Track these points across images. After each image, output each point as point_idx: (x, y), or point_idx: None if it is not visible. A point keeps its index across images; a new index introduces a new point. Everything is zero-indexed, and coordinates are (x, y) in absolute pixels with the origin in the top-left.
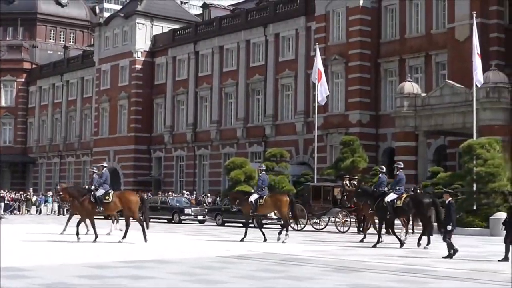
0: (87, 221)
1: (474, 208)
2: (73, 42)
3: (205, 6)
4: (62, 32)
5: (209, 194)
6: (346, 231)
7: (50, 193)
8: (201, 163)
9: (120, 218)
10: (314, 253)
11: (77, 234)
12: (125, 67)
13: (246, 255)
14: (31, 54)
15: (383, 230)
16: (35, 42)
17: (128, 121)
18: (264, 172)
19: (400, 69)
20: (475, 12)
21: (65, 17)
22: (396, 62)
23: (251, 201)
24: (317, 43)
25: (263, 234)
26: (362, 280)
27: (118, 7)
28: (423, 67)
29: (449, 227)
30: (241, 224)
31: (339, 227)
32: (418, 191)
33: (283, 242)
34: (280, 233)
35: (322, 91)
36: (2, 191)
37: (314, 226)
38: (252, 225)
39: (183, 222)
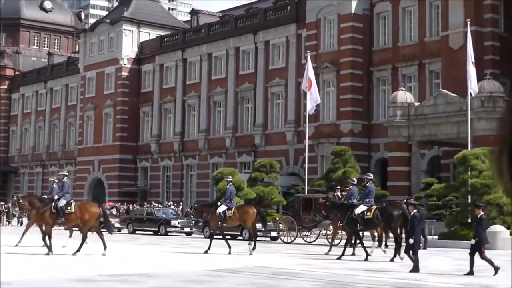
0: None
1: (469, 220)
2: (57, 48)
3: (193, 12)
4: (46, 38)
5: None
6: (338, 244)
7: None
8: (188, 173)
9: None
10: (305, 267)
11: (49, 247)
12: (111, 74)
13: (235, 269)
14: (14, 61)
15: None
16: (19, 48)
17: (113, 130)
18: (231, 183)
19: (393, 78)
20: (469, 20)
21: (49, 22)
22: (388, 70)
23: (219, 213)
24: (308, 51)
25: (228, 246)
26: None
27: (104, 13)
28: (417, 75)
29: (411, 240)
30: (229, 237)
31: (330, 240)
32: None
33: (250, 253)
34: (251, 245)
35: (312, 100)
36: None
37: (305, 239)
38: (229, 237)
39: (169, 234)
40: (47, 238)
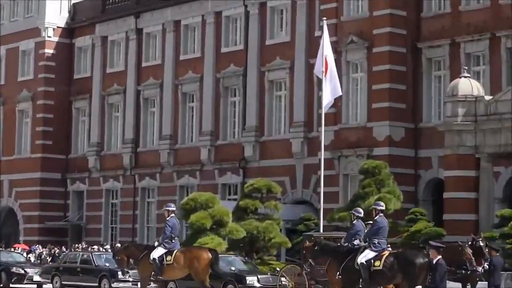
0: None
1: None
2: None
3: None
4: None
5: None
6: None
7: None
8: (145, 200)
9: None
10: None
11: None
12: (29, 52)
13: None
14: None
15: None
16: None
17: (32, 136)
18: (173, 214)
19: (452, 59)
20: None
21: None
22: (445, 47)
23: (154, 259)
24: (325, 18)
25: None
26: None
27: None
28: (487, 55)
29: None
30: None
31: None
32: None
33: None
34: None
35: (331, 91)
36: None
37: None
38: None
39: None
40: None
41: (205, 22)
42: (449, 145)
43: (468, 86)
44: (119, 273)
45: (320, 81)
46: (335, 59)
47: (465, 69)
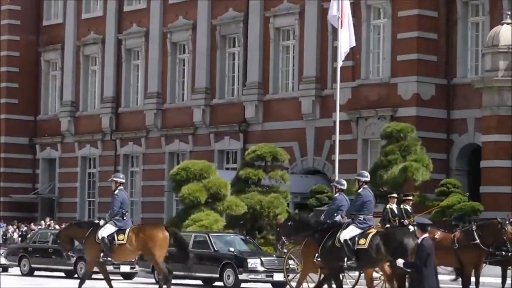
0: None
1: None
2: None
3: None
4: None
5: None
6: None
7: None
8: (128, 169)
9: None
10: None
11: None
12: None
13: None
14: None
15: None
16: None
17: None
18: (121, 187)
19: (492, 2)
20: None
21: None
22: None
23: (103, 238)
24: None
25: None
26: None
27: None
28: None
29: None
30: (200, 282)
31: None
32: None
33: None
34: None
35: (349, 41)
36: None
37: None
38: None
39: (94, 276)
40: None
41: None
42: (488, 104)
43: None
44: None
45: (335, 29)
46: (353, 3)
47: (508, 14)
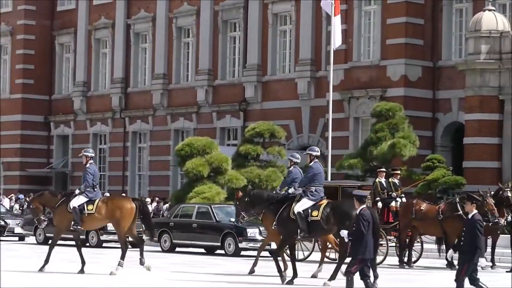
0: None
1: None
2: None
3: None
4: None
5: (149, 199)
6: (381, 263)
7: None
8: (136, 145)
9: None
10: None
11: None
12: None
13: None
14: None
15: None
16: None
17: (11, 74)
18: (91, 161)
19: None
20: None
21: None
22: None
23: (74, 208)
24: None
25: (82, 260)
26: None
27: None
28: None
29: (369, 254)
30: (203, 250)
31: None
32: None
33: (111, 273)
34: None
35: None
36: None
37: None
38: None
39: (104, 245)
40: None
41: None
42: (471, 85)
43: (493, 20)
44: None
45: (329, 15)
46: None
47: (490, 1)
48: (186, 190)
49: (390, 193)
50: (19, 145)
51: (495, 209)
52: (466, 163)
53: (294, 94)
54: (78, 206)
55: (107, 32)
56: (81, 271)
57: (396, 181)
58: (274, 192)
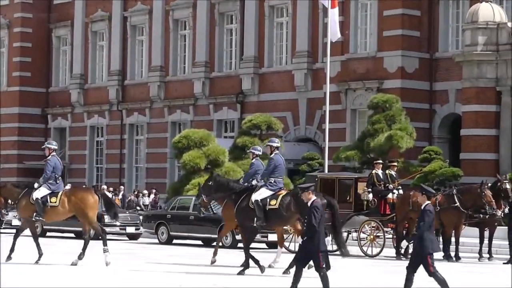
0: None
1: None
2: None
3: None
4: None
5: (146, 191)
6: (378, 255)
7: None
8: (133, 138)
9: None
10: None
11: None
12: None
13: None
14: None
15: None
16: None
17: (8, 67)
18: (54, 153)
19: None
20: None
21: None
22: None
23: (37, 199)
24: None
25: (39, 251)
26: None
27: None
28: None
29: (323, 246)
30: (200, 242)
31: (365, 248)
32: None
33: (107, 263)
34: (106, 252)
35: (337, 20)
36: None
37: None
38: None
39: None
40: None
41: None
42: (468, 77)
43: (490, 11)
44: (106, 217)
45: (325, 7)
46: None
47: None
48: (183, 182)
49: (387, 185)
50: (17, 138)
51: (493, 201)
52: (463, 154)
53: (291, 86)
54: (41, 198)
55: (104, 24)
56: (37, 262)
57: (393, 173)
58: (237, 183)
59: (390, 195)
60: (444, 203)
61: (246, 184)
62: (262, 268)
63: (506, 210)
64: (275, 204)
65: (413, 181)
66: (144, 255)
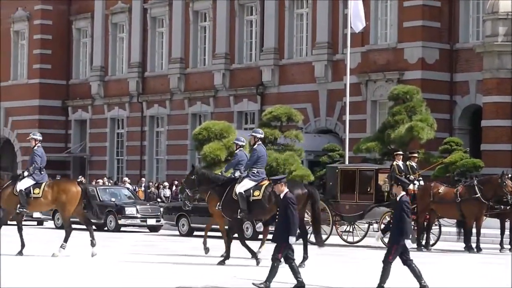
0: None
1: None
2: None
3: None
4: None
5: (167, 183)
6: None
7: None
8: (153, 130)
9: None
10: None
11: None
12: None
13: None
14: None
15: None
16: None
17: (29, 59)
18: (39, 144)
19: None
20: None
21: None
22: None
23: (21, 190)
24: None
25: (22, 243)
26: None
27: None
28: None
29: (292, 239)
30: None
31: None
32: None
33: (53, 255)
34: (93, 245)
35: (359, 10)
36: None
37: (344, 237)
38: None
39: (122, 229)
40: None
41: None
42: (488, 68)
43: (510, 2)
44: (127, 209)
45: None
46: None
47: None
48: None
49: (408, 176)
50: (37, 130)
51: None
52: (484, 145)
53: (311, 78)
54: (25, 189)
55: (124, 16)
56: (20, 253)
57: (414, 164)
58: (220, 174)
59: (411, 186)
60: (465, 194)
61: (230, 175)
62: (258, 261)
63: None
64: (258, 195)
65: (433, 172)
66: (165, 247)
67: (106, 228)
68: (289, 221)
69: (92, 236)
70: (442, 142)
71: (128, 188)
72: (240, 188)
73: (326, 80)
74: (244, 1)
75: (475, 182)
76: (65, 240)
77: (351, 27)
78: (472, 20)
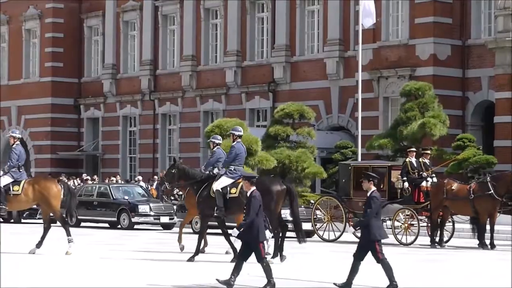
0: None
1: None
2: None
3: None
4: None
5: None
6: (412, 243)
7: None
8: (166, 128)
9: None
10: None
11: None
12: None
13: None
14: None
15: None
16: None
17: (41, 57)
18: (18, 142)
19: None
20: None
21: None
22: None
23: (0, 188)
24: None
25: None
26: None
27: None
28: None
29: (268, 235)
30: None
31: (400, 236)
32: None
33: (66, 253)
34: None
35: (370, 6)
36: None
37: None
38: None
39: (136, 227)
40: None
41: None
42: (500, 64)
43: None
44: (140, 206)
45: None
46: None
47: None
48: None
49: (421, 173)
50: (49, 128)
51: None
52: (497, 142)
53: (323, 74)
54: (4, 186)
55: (135, 14)
56: None
57: (427, 160)
58: (199, 170)
59: (424, 183)
60: (478, 191)
61: (207, 172)
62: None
63: None
64: (235, 192)
65: (446, 169)
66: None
67: (119, 226)
68: (253, 221)
69: (69, 234)
70: (455, 139)
71: (141, 186)
72: (217, 185)
73: (338, 77)
74: None
75: (488, 178)
76: (68, 234)
77: (362, 24)
78: (484, 16)
